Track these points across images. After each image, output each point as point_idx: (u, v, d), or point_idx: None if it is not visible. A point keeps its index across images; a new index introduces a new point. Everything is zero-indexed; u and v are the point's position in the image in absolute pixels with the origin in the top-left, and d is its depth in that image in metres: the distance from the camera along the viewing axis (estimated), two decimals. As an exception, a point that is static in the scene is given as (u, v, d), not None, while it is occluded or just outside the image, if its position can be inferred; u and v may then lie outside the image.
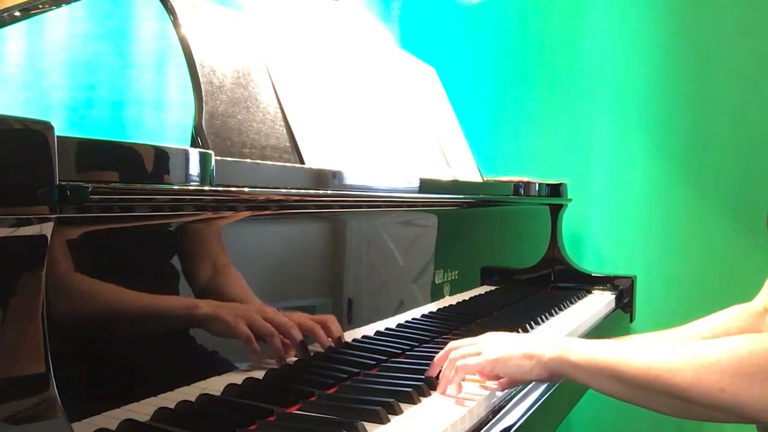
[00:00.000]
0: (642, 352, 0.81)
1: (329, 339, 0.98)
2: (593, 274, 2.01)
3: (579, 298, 1.84)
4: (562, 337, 0.90)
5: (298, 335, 0.92)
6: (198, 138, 0.92)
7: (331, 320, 0.99)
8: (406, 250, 1.24)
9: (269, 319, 0.87)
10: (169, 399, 0.73)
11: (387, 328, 1.16)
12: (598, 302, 1.81)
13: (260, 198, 0.84)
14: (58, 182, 0.55)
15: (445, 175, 1.55)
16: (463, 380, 0.95)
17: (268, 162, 0.99)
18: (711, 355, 0.75)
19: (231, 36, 1.08)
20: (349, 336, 1.05)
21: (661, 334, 1.14)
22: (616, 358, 0.81)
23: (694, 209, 2.07)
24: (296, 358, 0.92)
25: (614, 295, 1.92)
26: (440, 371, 0.97)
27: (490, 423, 0.92)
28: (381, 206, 1.15)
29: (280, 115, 1.09)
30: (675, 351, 0.78)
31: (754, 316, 1.15)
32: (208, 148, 0.90)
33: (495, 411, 0.95)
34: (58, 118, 1.79)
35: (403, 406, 0.88)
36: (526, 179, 1.83)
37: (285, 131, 1.09)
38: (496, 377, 0.96)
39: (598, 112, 2.22)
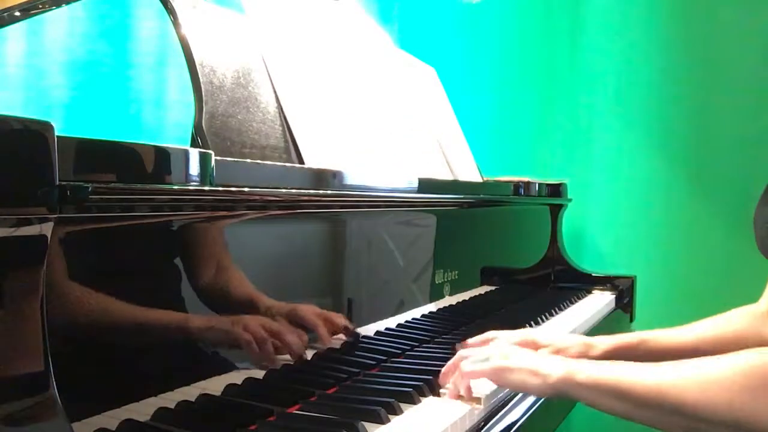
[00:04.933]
0: (648, 371, 0.81)
1: (333, 335, 0.98)
2: (593, 274, 2.01)
3: (579, 298, 1.84)
4: (568, 361, 0.90)
5: (295, 340, 0.92)
6: (198, 138, 0.92)
7: (337, 317, 0.99)
8: (406, 250, 1.24)
9: (265, 325, 0.87)
10: (169, 399, 0.73)
11: (387, 328, 1.16)
12: (598, 302, 1.81)
13: (260, 198, 0.84)
14: (58, 182, 0.55)
15: (445, 175, 1.55)
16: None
17: (268, 162, 0.99)
18: (716, 371, 0.74)
19: (231, 36, 1.08)
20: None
21: (665, 332, 1.14)
22: (621, 377, 0.81)
23: (694, 209, 2.07)
24: (294, 360, 0.92)
25: (614, 295, 1.92)
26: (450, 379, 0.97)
27: (491, 423, 0.92)
28: (381, 206, 1.15)
29: (280, 115, 1.09)
30: (681, 368, 0.78)
31: (756, 317, 1.15)
32: (208, 148, 0.90)
33: (495, 411, 0.95)
34: (58, 118, 1.79)
35: (403, 406, 0.88)
36: (526, 179, 1.83)
37: (285, 131, 1.09)
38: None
39: (598, 112, 2.22)
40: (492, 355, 0.94)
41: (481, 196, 1.58)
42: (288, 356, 0.91)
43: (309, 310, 0.95)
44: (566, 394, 0.87)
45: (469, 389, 0.93)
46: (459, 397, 0.93)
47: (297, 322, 0.93)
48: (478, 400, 0.92)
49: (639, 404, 0.80)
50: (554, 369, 0.87)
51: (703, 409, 0.74)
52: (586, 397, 0.85)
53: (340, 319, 1.01)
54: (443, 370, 0.99)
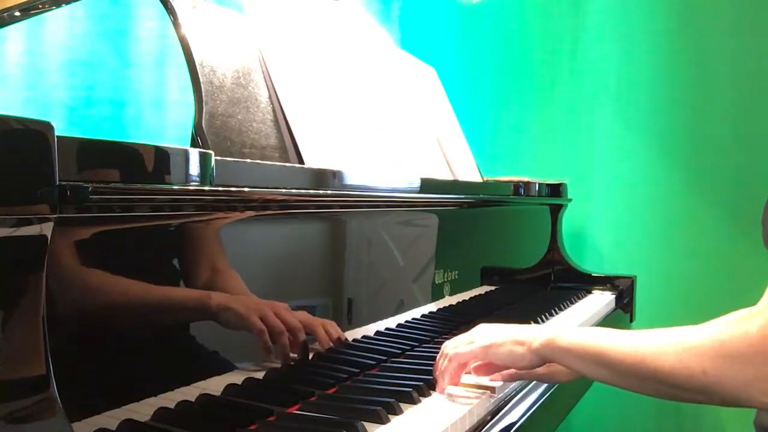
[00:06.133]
0: (628, 337, 0.83)
1: (329, 339, 0.98)
2: (593, 274, 2.01)
3: (579, 298, 1.84)
4: (553, 326, 0.91)
5: (303, 336, 0.92)
6: (198, 138, 0.92)
7: (331, 325, 1.00)
8: (406, 250, 1.24)
9: (279, 317, 0.87)
10: (169, 399, 0.73)
11: (387, 328, 1.16)
12: (598, 302, 1.81)
13: (260, 198, 0.84)
14: (58, 182, 0.55)
15: (445, 175, 1.55)
16: (463, 386, 0.96)
17: (268, 162, 0.99)
18: (693, 338, 0.76)
19: (231, 36, 1.08)
20: (349, 336, 1.05)
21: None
22: (603, 343, 0.83)
23: (694, 209, 2.07)
24: (296, 358, 0.92)
25: (614, 295, 1.92)
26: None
27: (490, 423, 0.92)
28: (381, 206, 1.15)
29: (280, 115, 1.09)
30: (659, 335, 0.80)
31: None
32: (208, 148, 0.90)
33: (495, 411, 0.95)
34: (58, 118, 1.79)
35: (403, 406, 0.88)
36: (526, 179, 1.83)
37: (285, 131, 1.09)
38: (490, 368, 0.97)
39: (598, 112, 2.22)
40: (476, 337, 0.95)
41: (481, 196, 1.58)
42: (285, 356, 0.91)
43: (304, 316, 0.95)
44: (551, 358, 0.89)
45: (453, 376, 0.94)
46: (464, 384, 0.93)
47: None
48: (492, 389, 0.95)
49: (618, 369, 0.82)
50: (537, 334, 0.90)
51: (678, 376, 0.76)
52: (569, 362, 0.87)
53: (332, 328, 1.01)
54: (436, 366, 0.98)
